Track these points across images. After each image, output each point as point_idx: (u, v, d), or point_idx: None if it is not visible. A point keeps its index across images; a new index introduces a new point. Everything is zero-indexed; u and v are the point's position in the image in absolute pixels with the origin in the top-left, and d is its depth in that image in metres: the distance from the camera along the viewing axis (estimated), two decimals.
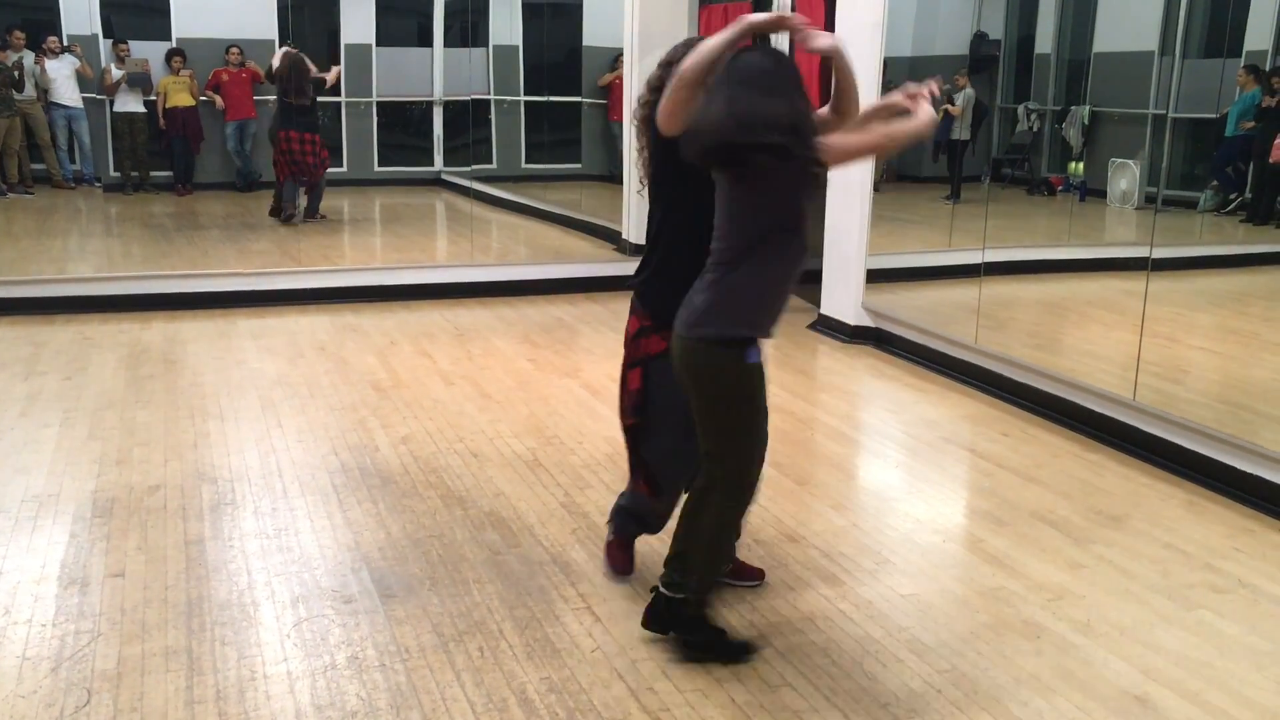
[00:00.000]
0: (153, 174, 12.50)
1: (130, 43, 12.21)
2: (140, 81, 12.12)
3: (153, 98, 12.27)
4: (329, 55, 12.78)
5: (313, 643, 3.32)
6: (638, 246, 9.08)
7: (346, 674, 3.15)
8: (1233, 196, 7.70)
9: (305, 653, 3.26)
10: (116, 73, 12.04)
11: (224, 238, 9.91)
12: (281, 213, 10.57)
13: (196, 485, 4.54)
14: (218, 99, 12.52)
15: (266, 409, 5.56)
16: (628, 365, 3.47)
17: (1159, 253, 5.74)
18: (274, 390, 5.88)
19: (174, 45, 12.45)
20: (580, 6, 12.86)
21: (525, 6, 13.26)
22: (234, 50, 12.40)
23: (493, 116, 13.06)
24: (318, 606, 3.54)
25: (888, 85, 7.49)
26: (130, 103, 12.12)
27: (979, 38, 9.17)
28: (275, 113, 10.71)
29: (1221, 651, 3.39)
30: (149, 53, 12.31)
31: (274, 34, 12.80)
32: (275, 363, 6.42)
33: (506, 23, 13.09)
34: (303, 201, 10.76)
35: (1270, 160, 7.14)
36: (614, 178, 10.45)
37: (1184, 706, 3.08)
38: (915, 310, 7.08)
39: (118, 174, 12.45)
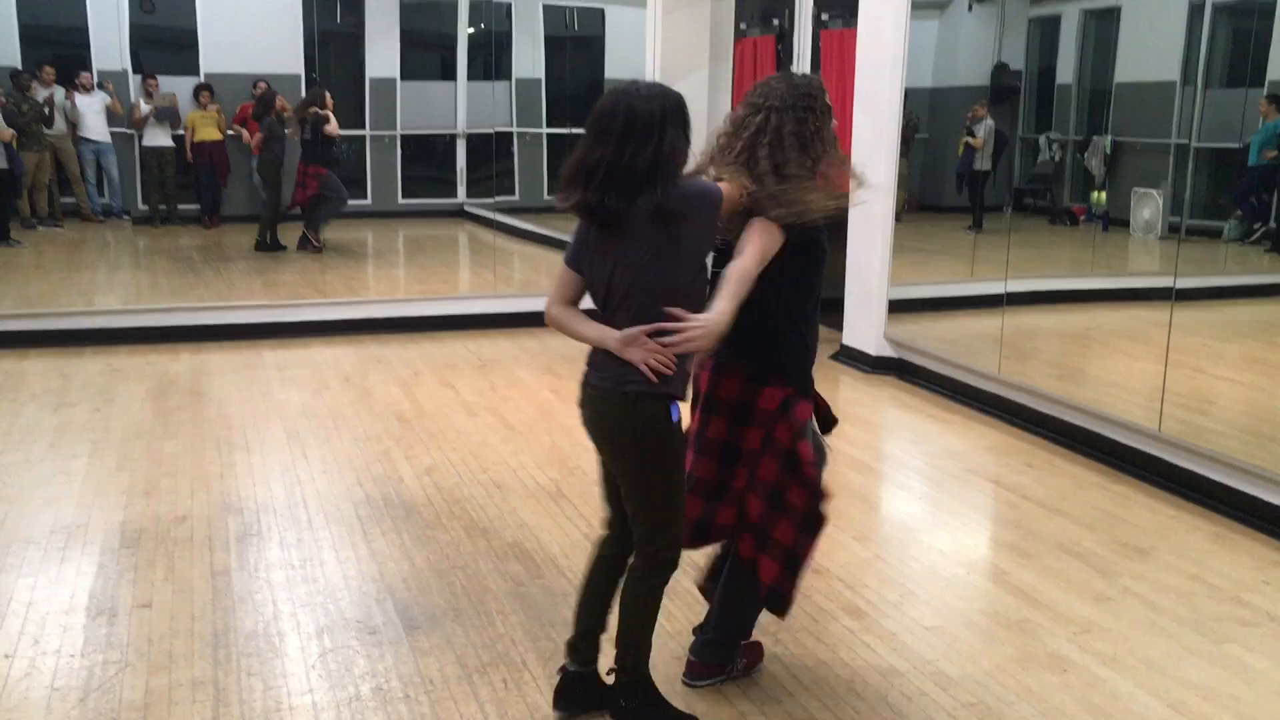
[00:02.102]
0: (180, 207, 12.65)
1: (159, 78, 12.40)
2: (168, 116, 12.29)
3: (181, 132, 12.44)
4: (353, 89, 12.94)
5: (338, 674, 3.33)
6: None
7: (371, 705, 3.16)
8: (1257, 226, 7.67)
9: (330, 684, 3.28)
10: (145, 107, 12.22)
11: (250, 270, 10.00)
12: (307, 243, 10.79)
13: (223, 516, 4.58)
14: (245, 133, 12.67)
15: (292, 440, 5.60)
16: (796, 438, 3.06)
17: (1183, 283, 5.72)
18: (299, 421, 5.92)
19: (202, 80, 12.63)
20: (602, 39, 12.98)
21: (548, 40, 13.38)
22: (261, 85, 12.55)
23: (515, 149, 13.16)
24: (343, 637, 3.56)
25: (909, 116, 7.53)
26: (158, 137, 12.30)
27: (1000, 69, 9.19)
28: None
29: (1250, 685, 3.35)
30: (177, 87, 12.50)
31: (300, 69, 12.96)
32: (300, 394, 6.47)
33: (529, 56, 13.21)
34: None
35: None
36: None
37: None
38: (938, 341, 7.07)
39: (146, 207, 12.61)
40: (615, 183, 2.68)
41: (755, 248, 2.84)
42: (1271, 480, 4.63)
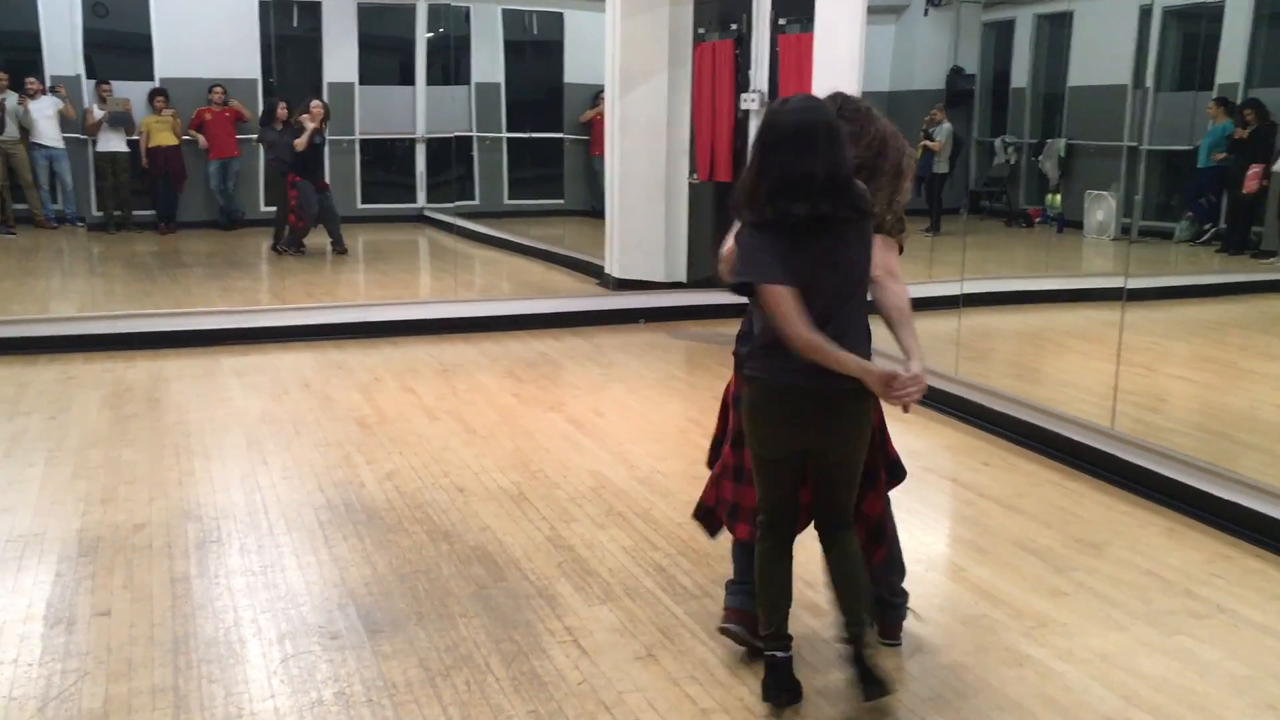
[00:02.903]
0: (135, 213, 12.52)
1: (113, 83, 12.27)
2: (122, 121, 12.17)
3: (135, 137, 12.32)
4: (313, 92, 12.89)
5: (300, 679, 3.32)
6: (620, 281, 9.14)
7: (334, 710, 3.16)
8: (1207, 227, 7.81)
9: (292, 689, 3.27)
10: (98, 112, 12.09)
11: (207, 275, 9.93)
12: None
13: (182, 523, 4.54)
14: (201, 138, 12.58)
15: (252, 446, 5.57)
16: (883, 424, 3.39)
17: (1134, 283, 5.83)
18: (259, 427, 5.89)
19: (157, 85, 12.52)
20: (562, 44, 13.01)
21: (507, 44, 13.39)
22: (217, 89, 12.48)
23: (475, 153, 13.15)
24: (304, 643, 3.55)
25: None
26: (113, 142, 12.17)
27: (955, 73, 9.30)
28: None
29: (1201, 676, 3.42)
30: (132, 93, 12.38)
31: (257, 74, 12.89)
32: (260, 400, 6.43)
33: (489, 60, 13.21)
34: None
35: (1244, 191, 7.27)
36: (596, 212, 10.52)
37: None
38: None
39: (100, 213, 12.47)
40: (834, 190, 2.86)
41: (896, 267, 3.21)
42: (1222, 476, 4.72)
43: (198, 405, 6.31)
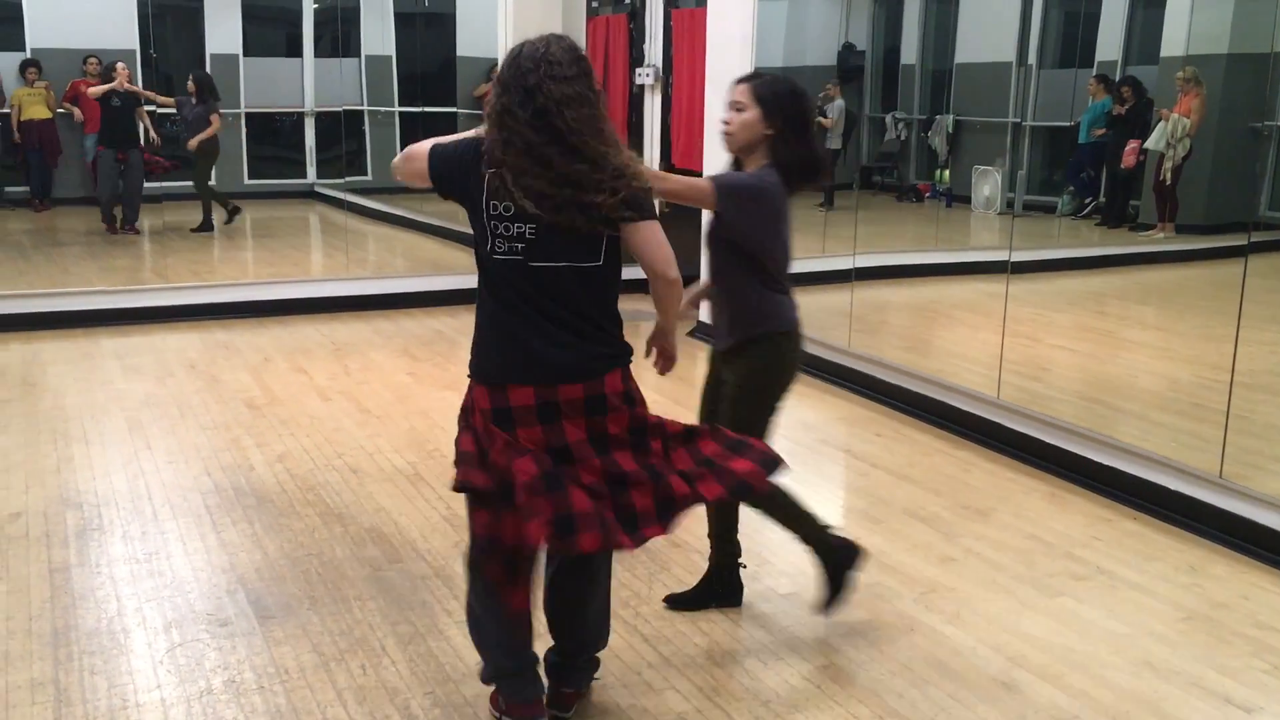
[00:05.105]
0: (7, 189, 11.98)
1: None
2: None
3: (5, 110, 11.78)
4: (196, 64, 12.48)
5: (187, 668, 3.24)
6: None
7: (223, 699, 3.08)
8: (1088, 201, 8.05)
9: (180, 679, 3.18)
10: None
11: (85, 254, 9.57)
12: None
13: (61, 511, 4.38)
14: (76, 111, 12.08)
15: (134, 430, 5.39)
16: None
17: (1018, 256, 5.98)
18: (142, 411, 5.70)
19: (29, 56, 11.97)
20: (454, 16, 12.79)
21: (397, 16, 13.12)
22: (93, 61, 11.97)
23: (367, 127, 12.90)
24: (192, 631, 3.45)
25: None
26: None
27: (847, 49, 9.40)
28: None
29: (1082, 636, 3.54)
30: (1, 64, 11.82)
31: (135, 44, 12.40)
32: (143, 383, 6.23)
33: (379, 32, 12.94)
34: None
35: (1122, 166, 7.50)
36: None
37: (1047, 690, 3.22)
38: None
39: None
40: None
41: None
42: (1101, 442, 4.88)
43: (76, 388, 6.08)
